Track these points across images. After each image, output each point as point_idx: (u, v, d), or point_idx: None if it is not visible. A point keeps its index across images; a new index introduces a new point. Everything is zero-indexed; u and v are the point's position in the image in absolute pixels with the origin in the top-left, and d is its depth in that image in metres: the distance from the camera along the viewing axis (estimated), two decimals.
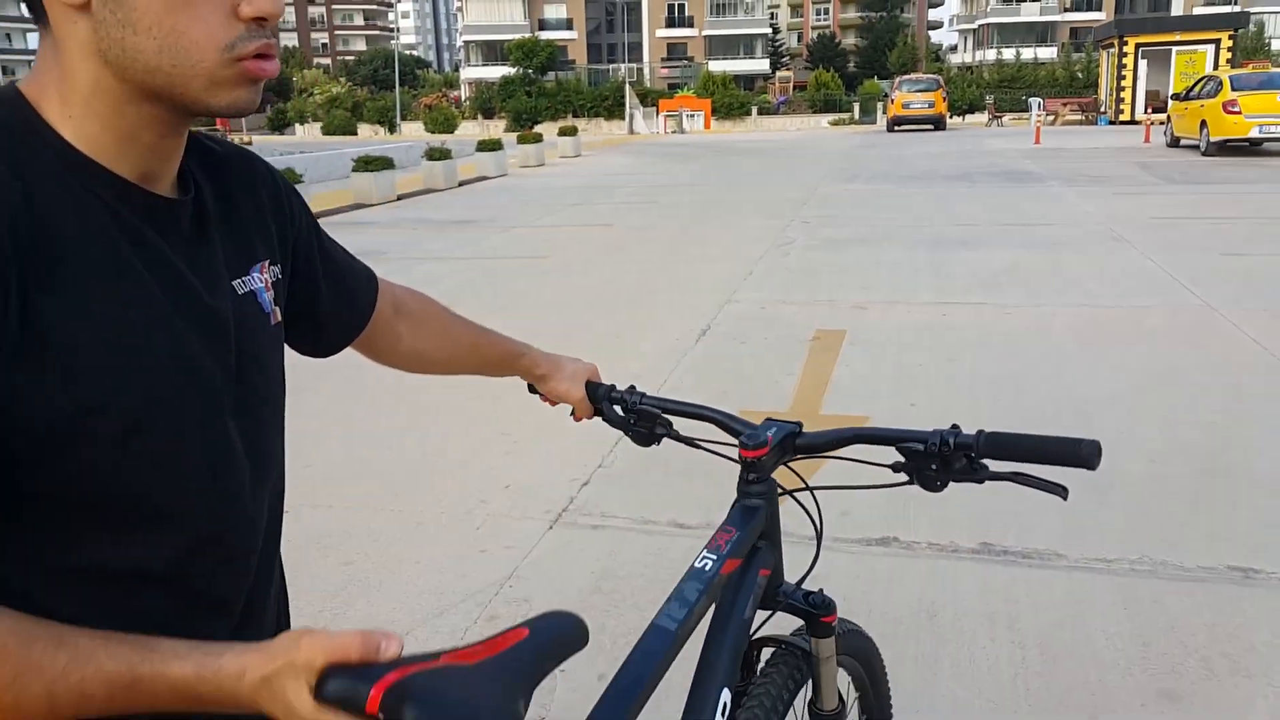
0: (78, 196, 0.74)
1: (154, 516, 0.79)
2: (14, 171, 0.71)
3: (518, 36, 59.46)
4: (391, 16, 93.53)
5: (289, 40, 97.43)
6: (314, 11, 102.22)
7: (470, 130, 43.13)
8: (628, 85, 48.81)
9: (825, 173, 18.64)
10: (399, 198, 15.78)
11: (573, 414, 1.45)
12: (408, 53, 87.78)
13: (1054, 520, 3.49)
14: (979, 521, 3.52)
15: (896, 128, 33.29)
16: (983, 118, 41.12)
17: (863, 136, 33.11)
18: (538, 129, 35.87)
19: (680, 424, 1.37)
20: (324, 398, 5.07)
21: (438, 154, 17.42)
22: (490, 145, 20.22)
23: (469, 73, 68.10)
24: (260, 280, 0.90)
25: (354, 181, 15.42)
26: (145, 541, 0.79)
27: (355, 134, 46.36)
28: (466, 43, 70.91)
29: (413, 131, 44.35)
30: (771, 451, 1.22)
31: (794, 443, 1.24)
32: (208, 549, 0.83)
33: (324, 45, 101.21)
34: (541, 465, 4.24)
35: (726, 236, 10.83)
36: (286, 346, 1.00)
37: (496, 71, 58.19)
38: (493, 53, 66.12)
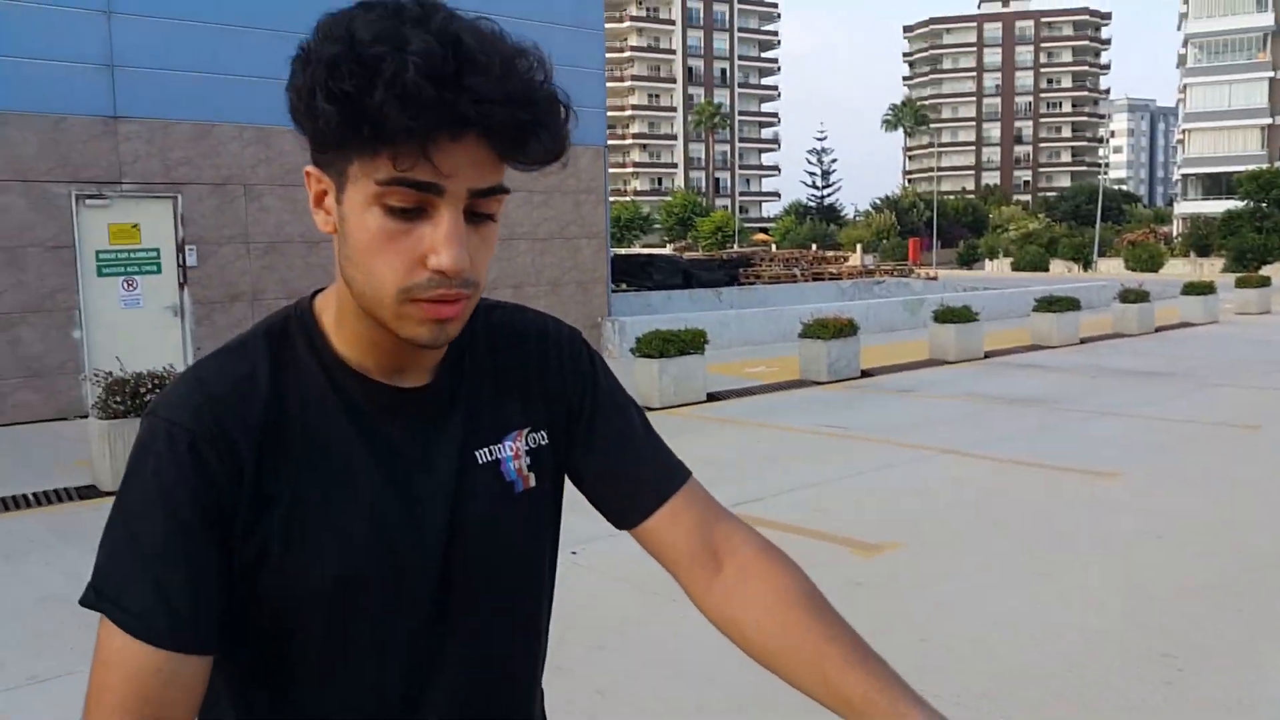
0: (322, 393, 0.88)
1: (342, 670, 0.90)
2: (274, 372, 0.87)
3: (1251, 167, 52.80)
4: (1102, 152, 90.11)
5: (991, 178, 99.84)
6: (1020, 150, 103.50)
7: (1178, 269, 39.03)
8: None
9: None
10: (1081, 341, 14.70)
11: None
12: (1115, 187, 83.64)
13: None
14: None
15: None
16: None
17: None
18: (1265, 270, 31.05)
19: None
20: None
21: (1133, 296, 15.91)
22: (1199, 288, 17.93)
23: (1184, 207, 62.37)
24: (510, 449, 0.96)
25: (1033, 321, 14.78)
26: (329, 689, 0.90)
27: (1046, 270, 45.18)
28: (1185, 176, 65.36)
29: (1110, 269, 41.69)
30: None
31: None
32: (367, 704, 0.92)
33: (1026, 182, 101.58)
34: None
35: None
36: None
37: (1218, 206, 52.22)
38: (1216, 185, 59.83)
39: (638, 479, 1.02)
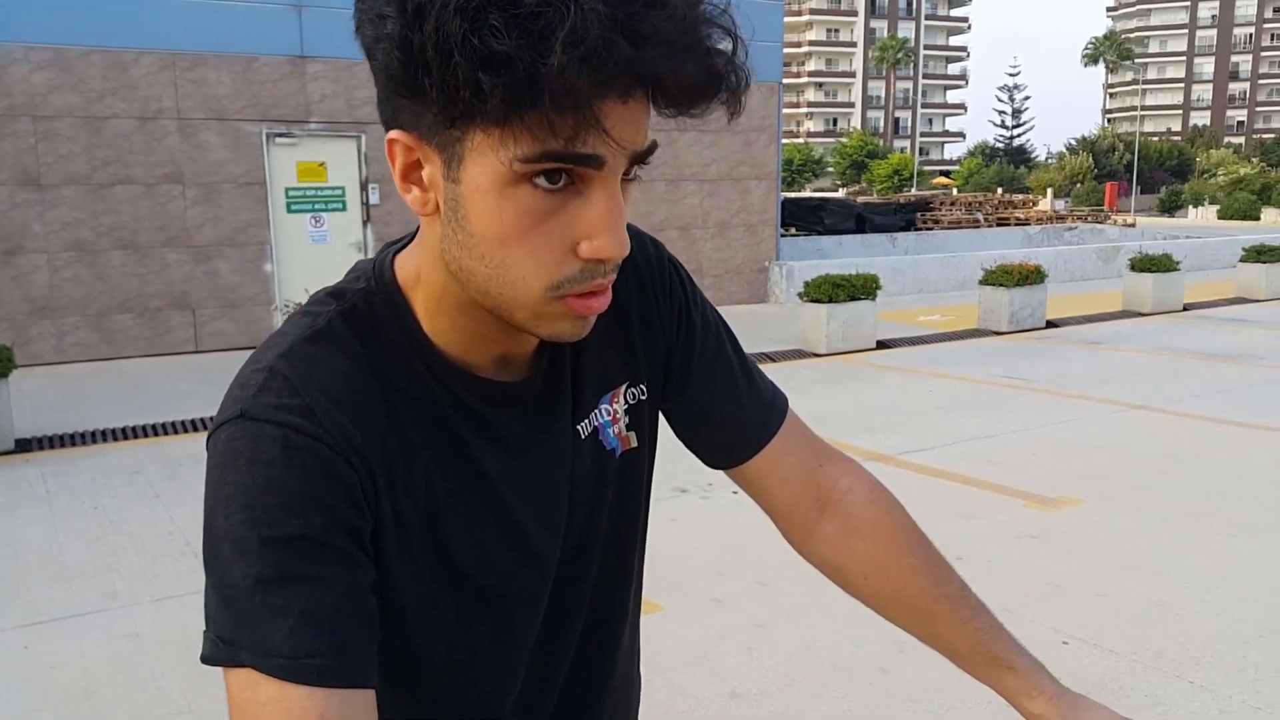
0: (429, 390, 0.75)
1: (468, 672, 0.82)
2: (375, 371, 0.73)
3: None
4: None
5: (1200, 119, 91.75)
6: (1235, 88, 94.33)
7: None
8: None
9: None
10: None
11: None
12: None
13: None
14: None
15: None
16: None
17: None
18: None
19: None
20: None
21: None
22: None
23: None
24: (607, 413, 0.86)
25: (1239, 272, 13.54)
26: (456, 691, 0.83)
27: (1257, 219, 41.39)
28: None
29: None
30: None
31: None
32: (501, 692, 0.86)
33: (1240, 123, 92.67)
34: None
35: None
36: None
37: None
38: None
39: (734, 423, 0.92)
